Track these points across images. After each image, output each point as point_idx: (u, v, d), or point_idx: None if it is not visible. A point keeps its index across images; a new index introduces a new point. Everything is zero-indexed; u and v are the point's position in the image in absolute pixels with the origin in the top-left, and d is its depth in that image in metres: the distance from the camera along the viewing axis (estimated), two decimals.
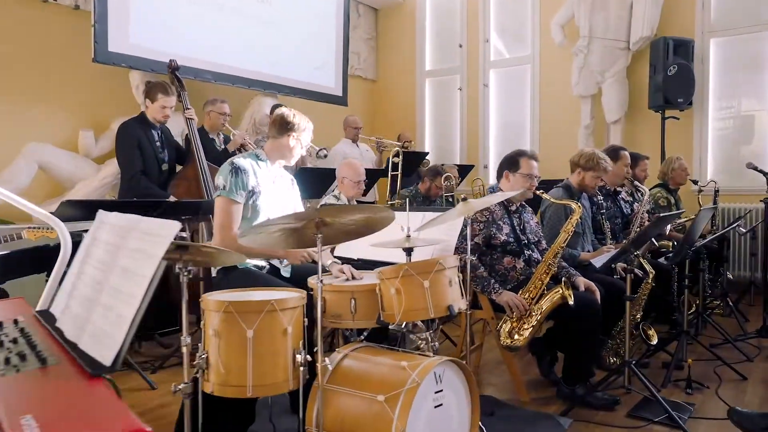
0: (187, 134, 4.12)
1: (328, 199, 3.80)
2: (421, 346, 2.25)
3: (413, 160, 5.64)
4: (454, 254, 2.86)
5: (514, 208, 3.06)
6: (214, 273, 2.66)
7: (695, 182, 4.96)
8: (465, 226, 2.92)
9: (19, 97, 4.25)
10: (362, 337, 2.46)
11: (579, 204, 2.96)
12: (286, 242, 2.05)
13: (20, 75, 4.26)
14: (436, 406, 1.95)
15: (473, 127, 7.37)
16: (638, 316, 3.15)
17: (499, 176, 3.12)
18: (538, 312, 2.78)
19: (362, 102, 7.92)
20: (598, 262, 2.85)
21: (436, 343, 2.27)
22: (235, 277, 2.55)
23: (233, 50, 5.12)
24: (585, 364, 2.87)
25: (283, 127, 2.63)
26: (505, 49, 7.18)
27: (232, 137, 4.49)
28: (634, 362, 2.94)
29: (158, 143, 3.84)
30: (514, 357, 3.01)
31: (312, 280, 2.38)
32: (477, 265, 2.90)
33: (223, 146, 4.54)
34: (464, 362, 2.08)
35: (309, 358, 2.04)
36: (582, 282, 2.94)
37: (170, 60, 3.92)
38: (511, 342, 2.80)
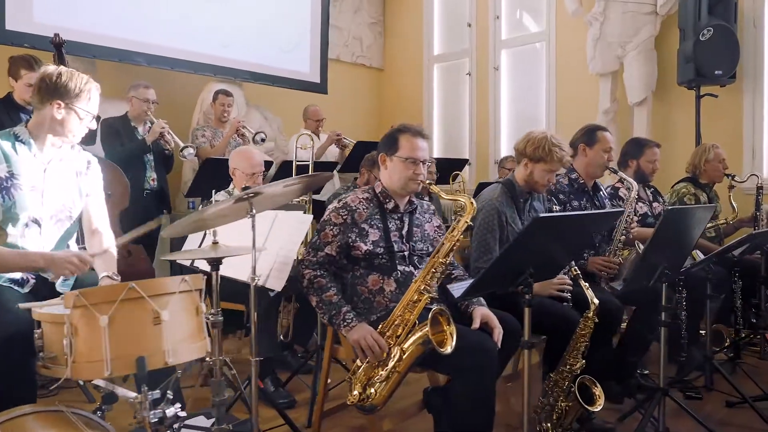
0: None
1: (217, 196, 3.09)
2: (136, 414, 1.47)
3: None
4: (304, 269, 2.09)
5: (391, 205, 2.19)
6: None
7: (731, 176, 3.78)
8: (318, 231, 2.14)
9: None
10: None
11: (471, 200, 2.05)
12: None
13: None
14: None
15: (483, 116, 6.41)
16: (576, 366, 2.17)
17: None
18: (395, 358, 1.91)
19: (368, 92, 7.17)
20: (457, 290, 1.93)
21: (169, 410, 1.48)
22: None
23: (174, 30, 4.54)
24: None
25: (45, 92, 1.95)
26: (517, 26, 6.17)
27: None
28: None
29: None
30: (381, 419, 2.14)
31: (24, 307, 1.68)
32: (326, 286, 2.07)
33: (142, 136, 3.97)
34: None
35: None
36: (479, 315, 2.02)
37: (54, 34, 3.36)
38: (362, 398, 1.94)
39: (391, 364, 1.91)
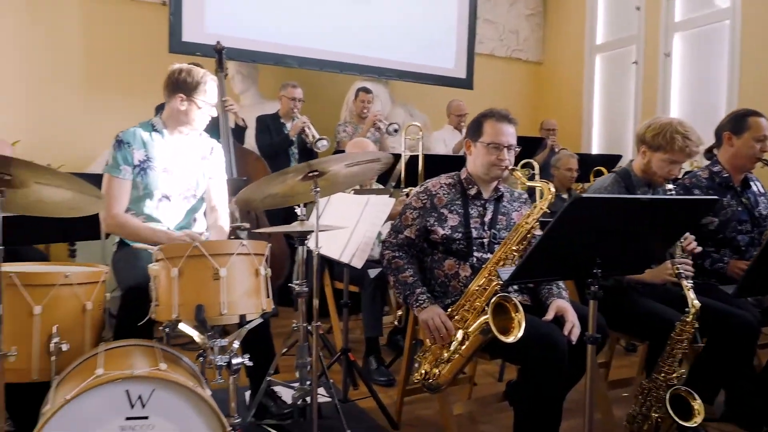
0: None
1: None
2: (210, 356, 1.68)
3: (527, 147, 4.66)
4: (384, 250, 2.19)
5: (474, 191, 2.17)
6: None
7: None
8: (400, 214, 2.23)
9: (114, 92, 4.75)
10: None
11: (550, 186, 1.93)
12: None
13: (114, 69, 4.76)
14: None
15: (650, 108, 5.83)
16: (673, 375, 1.92)
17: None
18: (458, 341, 1.90)
19: (524, 87, 6.99)
20: (505, 273, 1.80)
21: (236, 359, 1.68)
22: (121, 255, 2.34)
23: (323, 33, 4.94)
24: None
25: (169, 87, 2.31)
26: (695, 5, 5.48)
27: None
28: None
29: None
30: (454, 402, 2.13)
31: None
32: (402, 267, 2.13)
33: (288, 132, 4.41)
34: (204, 392, 1.49)
35: (65, 347, 1.72)
36: (554, 308, 1.91)
37: (216, 41, 3.91)
38: (427, 377, 1.97)
39: (453, 346, 1.91)
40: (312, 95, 4.76)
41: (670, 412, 1.84)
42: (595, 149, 6.51)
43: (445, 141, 4.96)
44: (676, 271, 1.95)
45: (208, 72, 2.35)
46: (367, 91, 4.74)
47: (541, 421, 1.84)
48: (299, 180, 1.84)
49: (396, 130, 4.33)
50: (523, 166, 4.17)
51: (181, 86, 2.28)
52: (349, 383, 2.66)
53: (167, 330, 1.76)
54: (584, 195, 1.37)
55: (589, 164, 4.94)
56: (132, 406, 1.42)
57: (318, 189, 1.82)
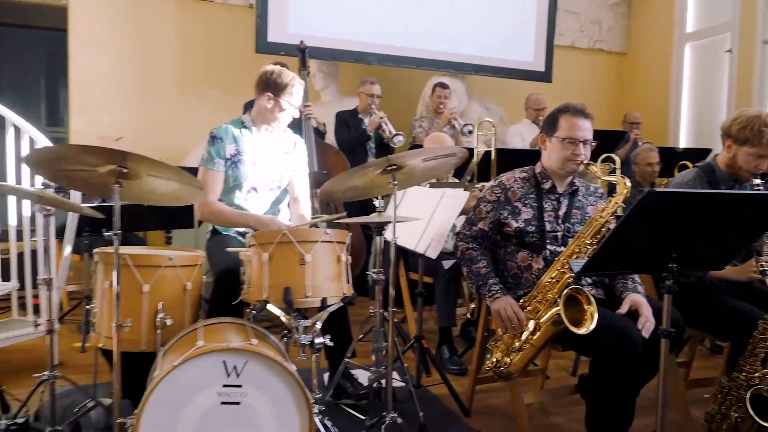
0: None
1: None
2: (295, 334, 1.83)
3: (607, 141, 4.54)
4: (458, 241, 2.26)
5: (548, 185, 2.19)
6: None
7: None
8: (474, 207, 2.29)
9: (205, 90, 5.06)
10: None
11: (625, 181, 1.92)
12: None
13: (204, 69, 5.08)
14: (224, 402, 1.59)
15: (745, 99, 5.48)
16: (755, 374, 1.86)
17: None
18: (528, 331, 1.94)
19: (605, 79, 6.77)
20: (577, 264, 1.79)
21: (318, 339, 1.82)
22: (214, 241, 2.55)
23: (400, 30, 5.02)
24: (612, 426, 1.88)
25: (260, 86, 2.48)
26: None
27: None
28: None
29: None
30: (526, 393, 2.17)
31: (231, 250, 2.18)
32: (476, 258, 2.19)
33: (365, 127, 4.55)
34: (290, 366, 1.64)
35: (169, 322, 1.92)
36: (629, 302, 1.91)
37: (300, 41, 4.10)
38: (498, 365, 2.03)
39: (525, 336, 1.95)
40: (389, 91, 4.87)
41: (751, 411, 1.79)
42: (683, 143, 6.21)
43: (522, 135, 4.92)
44: (761, 269, 1.89)
45: (297, 76, 2.50)
46: (443, 86, 4.79)
47: (613, 415, 1.86)
48: (378, 173, 1.94)
49: (470, 131, 4.37)
50: (603, 161, 4.08)
51: (271, 85, 2.45)
52: (422, 370, 2.76)
53: (254, 312, 1.93)
54: (658, 189, 1.37)
55: (675, 158, 4.74)
56: (228, 375, 1.59)
57: (396, 182, 1.92)
